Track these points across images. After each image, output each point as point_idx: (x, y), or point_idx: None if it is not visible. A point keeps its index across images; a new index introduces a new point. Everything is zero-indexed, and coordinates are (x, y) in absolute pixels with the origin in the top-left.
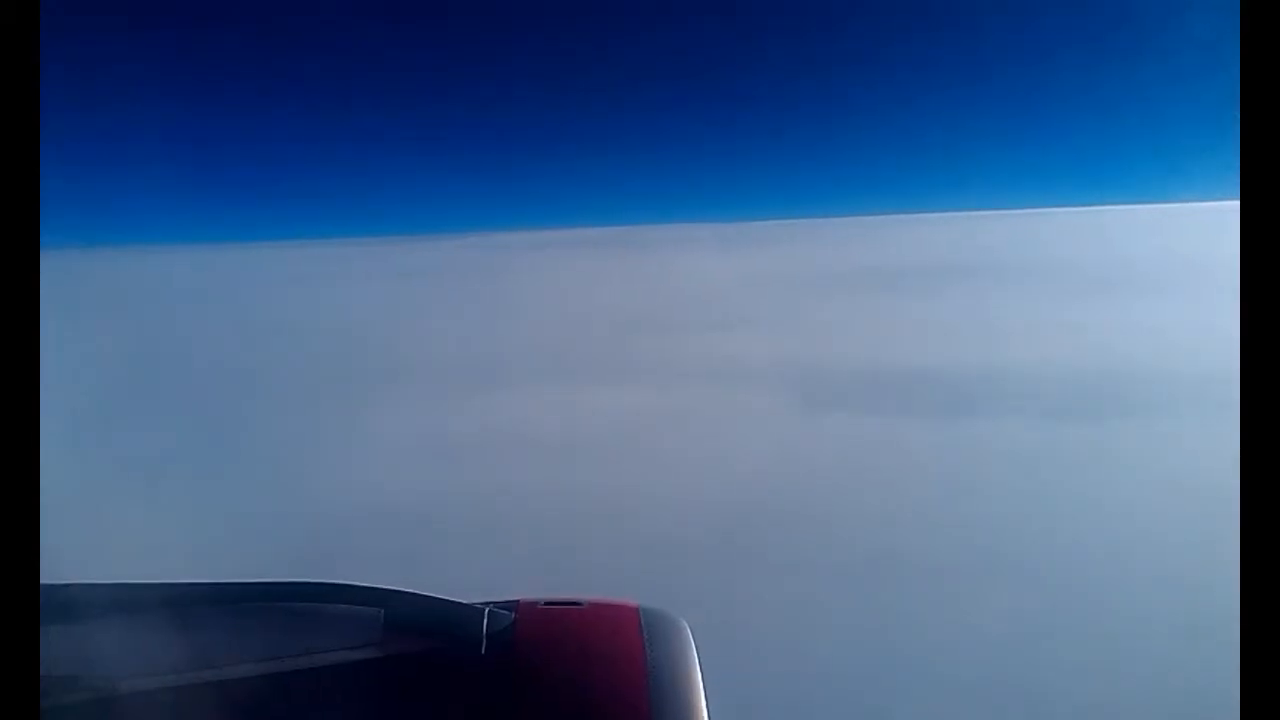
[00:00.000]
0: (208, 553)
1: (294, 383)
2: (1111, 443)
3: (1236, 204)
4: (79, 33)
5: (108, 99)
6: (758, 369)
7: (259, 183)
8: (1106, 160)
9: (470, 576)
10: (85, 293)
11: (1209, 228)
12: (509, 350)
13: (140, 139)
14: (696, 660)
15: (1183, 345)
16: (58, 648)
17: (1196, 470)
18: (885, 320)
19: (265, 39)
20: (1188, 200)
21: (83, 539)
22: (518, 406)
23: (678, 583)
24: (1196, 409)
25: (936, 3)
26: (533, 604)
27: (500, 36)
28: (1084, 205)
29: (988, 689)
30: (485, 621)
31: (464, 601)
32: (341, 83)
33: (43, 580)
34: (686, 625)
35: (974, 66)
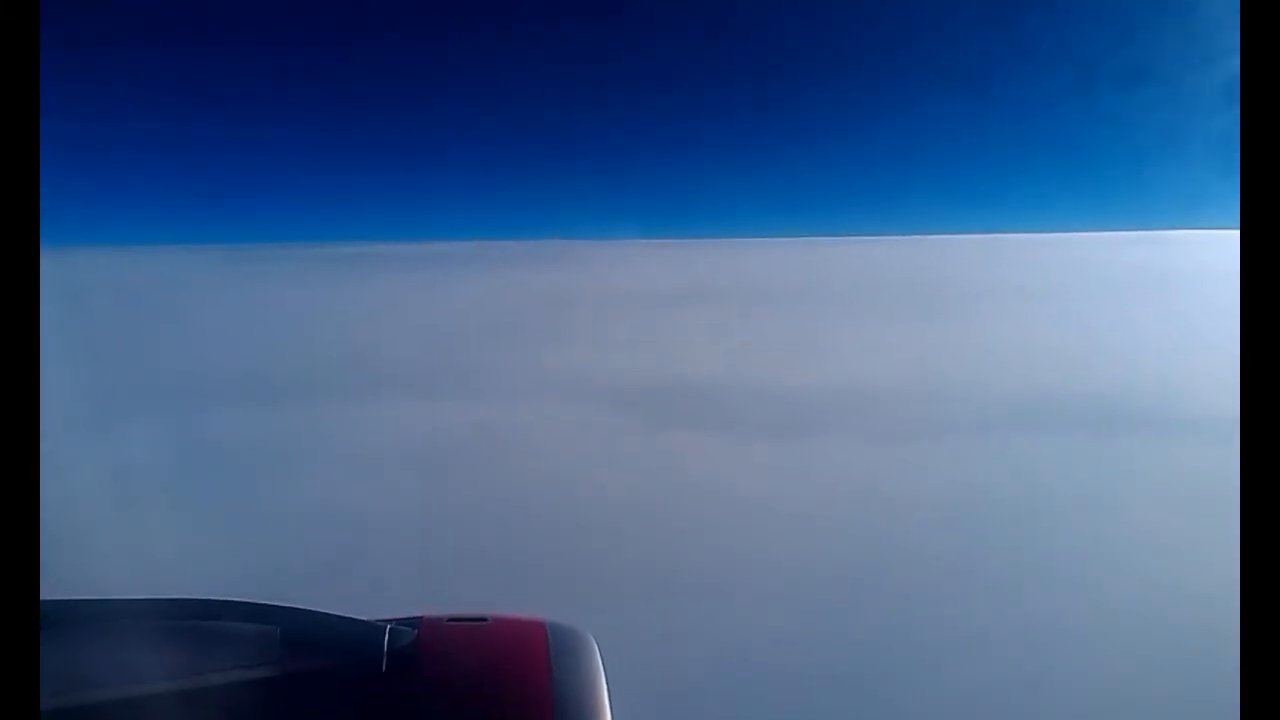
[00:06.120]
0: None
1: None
2: (930, 463)
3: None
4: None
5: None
6: (599, 386)
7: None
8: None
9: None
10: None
11: (1031, 258)
12: (339, 365)
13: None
14: (603, 676)
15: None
16: None
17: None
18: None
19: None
20: (1006, 231)
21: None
22: (349, 422)
23: (517, 599)
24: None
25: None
26: (436, 620)
27: (346, 48)
28: (922, 234)
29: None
30: (386, 638)
31: (364, 618)
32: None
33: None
34: (594, 641)
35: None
